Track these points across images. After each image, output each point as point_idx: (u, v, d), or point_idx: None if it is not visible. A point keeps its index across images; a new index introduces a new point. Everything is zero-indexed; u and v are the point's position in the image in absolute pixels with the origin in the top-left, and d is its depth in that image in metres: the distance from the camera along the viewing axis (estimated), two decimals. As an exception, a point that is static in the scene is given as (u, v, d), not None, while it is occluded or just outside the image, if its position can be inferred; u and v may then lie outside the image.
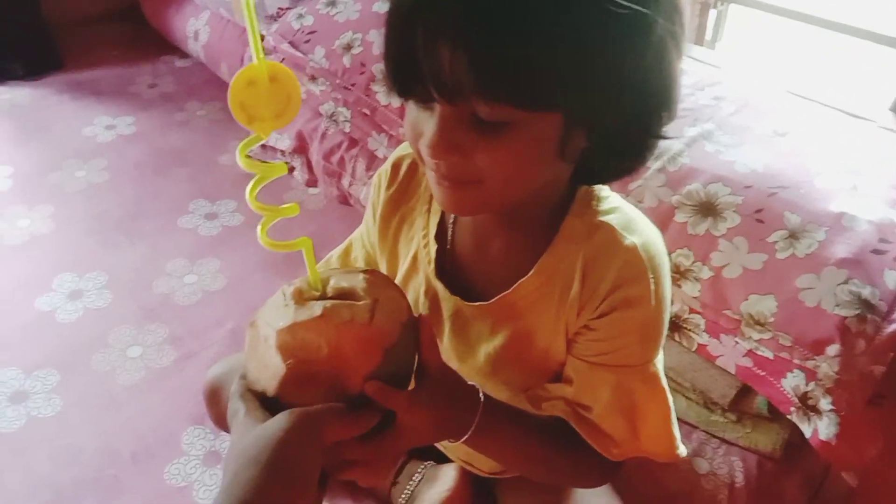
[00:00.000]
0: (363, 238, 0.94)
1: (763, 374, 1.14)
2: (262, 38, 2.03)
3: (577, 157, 0.65)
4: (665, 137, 0.66)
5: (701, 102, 1.41)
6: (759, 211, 1.15)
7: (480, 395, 0.71)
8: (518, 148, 0.61)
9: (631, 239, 0.71)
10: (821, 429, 1.07)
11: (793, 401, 1.10)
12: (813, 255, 1.09)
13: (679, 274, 1.17)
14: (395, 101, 1.69)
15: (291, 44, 1.91)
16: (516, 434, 0.76)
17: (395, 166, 0.86)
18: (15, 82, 2.51)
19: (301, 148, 1.96)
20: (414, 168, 0.85)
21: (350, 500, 1.15)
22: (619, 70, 0.58)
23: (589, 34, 0.55)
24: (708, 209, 1.18)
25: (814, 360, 1.06)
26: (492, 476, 1.01)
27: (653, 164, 1.24)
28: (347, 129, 1.83)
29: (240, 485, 0.56)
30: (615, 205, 0.75)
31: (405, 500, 1.04)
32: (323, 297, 0.65)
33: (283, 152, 2.01)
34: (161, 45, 2.72)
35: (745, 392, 1.21)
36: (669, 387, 0.78)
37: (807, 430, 1.10)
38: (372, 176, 1.77)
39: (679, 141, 1.28)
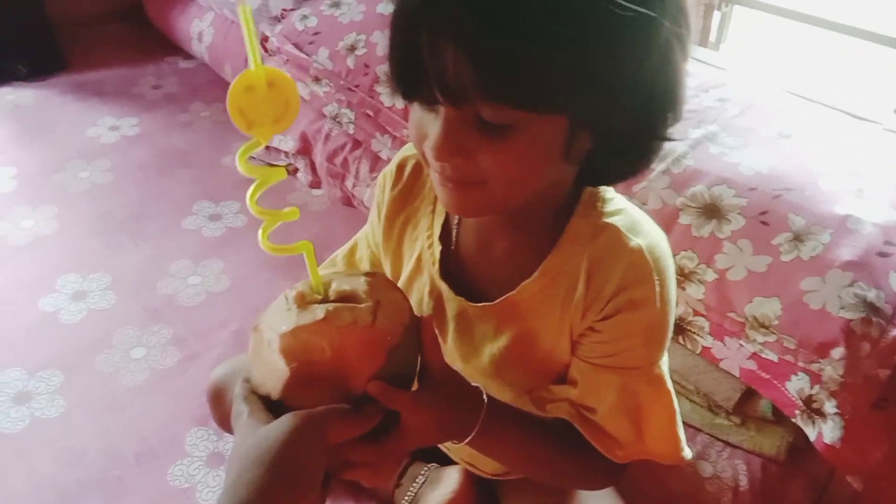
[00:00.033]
0: (368, 238, 0.95)
1: (767, 376, 1.13)
2: (266, 39, 2.04)
3: (581, 158, 0.65)
4: (670, 139, 0.66)
5: (705, 104, 1.41)
6: (763, 213, 1.15)
7: (484, 396, 0.71)
8: (522, 150, 0.60)
9: (636, 241, 0.71)
10: (825, 432, 1.06)
11: (797, 404, 1.10)
12: (818, 258, 1.09)
13: (683, 276, 1.17)
14: (399, 103, 1.69)
15: (295, 45, 1.91)
16: (520, 435, 0.76)
17: (400, 167, 0.87)
18: (19, 83, 2.51)
19: (305, 149, 1.96)
20: (418, 169, 0.85)
21: (353, 502, 1.15)
22: (624, 72, 0.57)
23: (593, 37, 0.55)
24: (712, 211, 1.18)
25: (818, 363, 1.06)
26: (495, 478, 1.01)
27: (657, 166, 1.24)
28: (351, 131, 1.83)
29: (243, 485, 0.56)
30: (620, 206, 0.74)
31: (408, 501, 1.04)
32: (325, 300, 0.65)
33: (286, 153, 2.01)
34: (165, 46, 2.73)
35: (749, 395, 1.21)
36: (673, 389, 0.78)
37: (811, 434, 1.09)
38: (375, 177, 1.77)
39: (683, 143, 1.28)
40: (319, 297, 0.66)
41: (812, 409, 1.09)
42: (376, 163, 1.80)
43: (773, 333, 1.09)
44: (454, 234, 0.82)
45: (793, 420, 1.13)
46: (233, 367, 1.06)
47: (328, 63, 1.82)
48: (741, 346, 1.14)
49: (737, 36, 2.13)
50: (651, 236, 0.73)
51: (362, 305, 0.64)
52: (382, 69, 1.73)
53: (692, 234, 1.17)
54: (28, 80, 2.52)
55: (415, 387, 0.70)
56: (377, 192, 0.90)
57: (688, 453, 0.80)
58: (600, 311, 0.72)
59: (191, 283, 1.70)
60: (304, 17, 1.94)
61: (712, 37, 2.07)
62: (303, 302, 0.64)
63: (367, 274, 0.69)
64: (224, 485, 0.58)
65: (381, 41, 1.75)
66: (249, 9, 0.54)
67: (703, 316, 1.18)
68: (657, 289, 0.71)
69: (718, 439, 1.23)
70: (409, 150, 0.86)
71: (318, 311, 0.63)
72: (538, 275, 0.74)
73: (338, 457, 0.63)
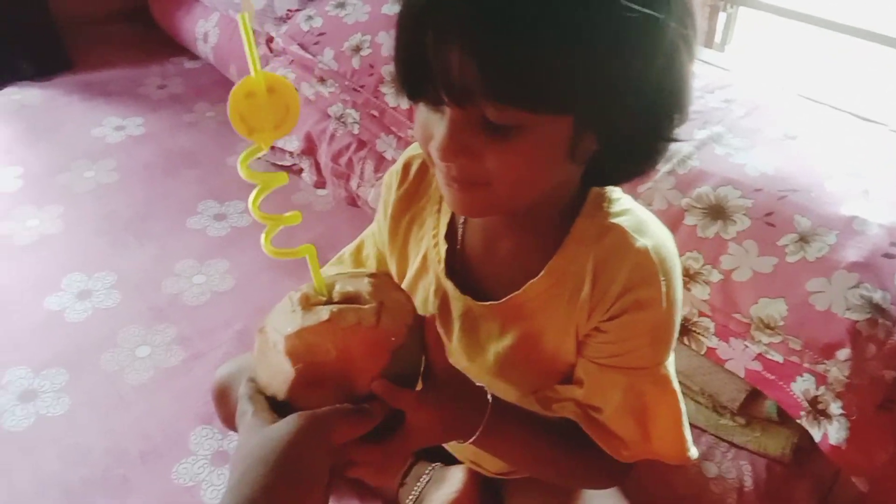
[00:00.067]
0: (375, 236, 0.95)
1: (773, 377, 1.13)
2: (271, 39, 2.04)
3: (587, 159, 0.65)
4: (676, 140, 0.66)
5: (711, 105, 1.40)
6: (769, 214, 1.15)
7: (489, 396, 0.72)
8: (528, 151, 0.60)
9: (642, 241, 0.71)
10: (831, 433, 1.06)
11: (803, 405, 1.10)
12: (823, 259, 1.09)
13: (688, 277, 1.17)
14: (404, 103, 1.69)
15: (300, 45, 1.91)
16: (525, 435, 0.76)
17: (406, 166, 0.87)
18: (24, 83, 2.52)
19: (309, 149, 1.96)
20: (424, 168, 0.85)
21: (357, 501, 1.15)
22: (630, 73, 0.57)
23: (599, 38, 0.55)
24: (718, 212, 1.18)
25: (824, 364, 1.06)
26: (499, 477, 1.01)
27: (662, 167, 1.24)
28: (356, 131, 1.83)
29: (247, 484, 0.56)
30: (626, 206, 0.74)
31: (412, 501, 1.04)
32: (329, 301, 0.66)
33: (291, 153, 2.01)
34: (170, 46, 2.73)
35: (754, 396, 1.21)
36: (680, 389, 0.77)
37: (816, 435, 1.09)
38: (380, 178, 1.78)
39: (689, 144, 1.28)
40: (324, 299, 0.66)
41: (817, 411, 1.08)
42: (381, 163, 1.80)
43: (779, 334, 1.09)
44: (460, 233, 0.82)
45: (798, 421, 1.12)
46: (238, 365, 1.06)
47: (333, 63, 1.82)
48: (746, 346, 1.14)
49: (742, 37, 2.13)
50: (657, 237, 0.72)
51: (366, 307, 0.64)
52: (387, 69, 1.73)
53: (697, 235, 1.17)
54: (34, 79, 2.53)
55: (419, 387, 0.70)
56: (383, 191, 0.90)
57: (694, 453, 0.80)
58: (606, 311, 0.72)
59: (196, 283, 1.70)
60: (310, 17, 1.95)
61: (717, 38, 2.06)
62: (307, 304, 0.65)
63: (370, 275, 0.70)
64: (228, 483, 0.58)
65: (386, 42, 1.76)
66: (248, 16, 0.55)
67: (708, 317, 1.18)
68: (663, 289, 0.71)
69: (723, 440, 1.23)
70: (414, 149, 0.86)
71: (323, 313, 0.63)
72: (544, 275, 0.74)
73: (342, 456, 0.63)
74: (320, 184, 2.01)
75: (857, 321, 1.03)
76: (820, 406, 1.08)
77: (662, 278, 0.70)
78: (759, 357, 1.13)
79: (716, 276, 1.15)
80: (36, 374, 1.46)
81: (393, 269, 0.90)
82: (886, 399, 1.05)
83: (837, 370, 1.04)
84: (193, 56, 2.69)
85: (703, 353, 1.21)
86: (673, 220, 1.19)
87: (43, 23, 2.55)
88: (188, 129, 2.31)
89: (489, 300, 0.78)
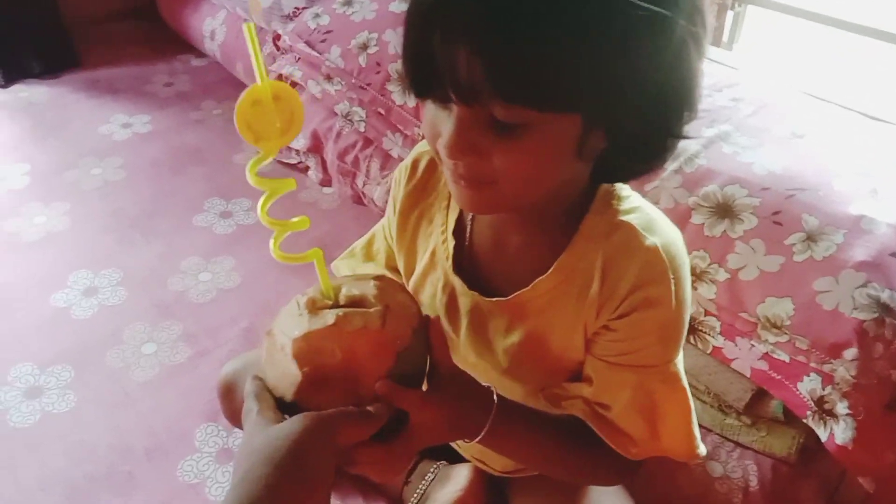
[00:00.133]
0: (385, 230, 0.95)
1: (779, 377, 1.13)
2: (279, 37, 2.04)
3: (595, 156, 0.65)
4: (685, 137, 0.66)
5: (718, 104, 1.40)
6: (776, 213, 1.14)
7: (494, 395, 0.71)
8: (535, 149, 0.60)
9: (652, 239, 0.70)
10: (837, 433, 1.06)
11: (809, 405, 1.09)
12: (831, 258, 1.08)
13: (695, 276, 1.16)
14: (411, 101, 1.69)
15: (307, 43, 1.91)
16: (532, 434, 0.76)
17: (414, 163, 0.87)
18: (32, 80, 2.53)
19: (316, 147, 1.96)
20: (433, 165, 0.85)
21: (362, 500, 1.15)
22: (638, 71, 0.57)
23: (606, 36, 0.55)
24: (725, 211, 1.17)
25: (831, 363, 1.05)
26: (504, 475, 1.00)
27: (669, 165, 1.24)
28: (362, 129, 1.83)
29: (251, 482, 0.56)
30: (636, 204, 0.74)
31: (417, 499, 1.04)
32: (335, 305, 0.67)
33: (297, 151, 2.01)
34: (177, 43, 2.74)
35: (760, 395, 1.20)
36: (689, 387, 0.77)
37: (823, 435, 1.09)
38: (386, 175, 1.78)
39: (696, 142, 1.27)
40: (330, 303, 0.67)
41: (824, 410, 1.08)
42: (387, 161, 1.80)
43: (786, 334, 1.08)
44: (468, 229, 0.82)
45: (804, 421, 1.12)
46: (243, 362, 1.06)
47: (340, 61, 1.82)
48: (753, 346, 1.14)
49: (750, 35, 2.12)
50: (666, 235, 0.72)
51: (372, 310, 0.65)
52: (394, 67, 1.73)
53: (704, 234, 1.17)
54: (41, 77, 2.54)
55: (425, 387, 0.70)
56: (393, 187, 0.90)
57: (703, 450, 0.80)
58: (615, 309, 0.72)
59: (201, 280, 1.70)
60: (317, 15, 1.95)
61: (725, 36, 2.06)
62: (314, 307, 0.66)
63: (376, 278, 0.70)
64: (231, 480, 0.58)
65: (393, 40, 1.75)
66: (253, 25, 0.56)
67: (714, 316, 1.17)
68: (672, 288, 0.70)
69: (729, 440, 1.22)
70: (424, 146, 0.87)
71: (329, 317, 0.64)
72: (552, 272, 0.74)
73: (347, 457, 0.64)
74: (326, 182, 2.01)
75: (865, 321, 1.03)
76: (826, 406, 1.07)
77: (672, 276, 0.70)
78: (766, 356, 1.13)
79: (722, 275, 1.14)
80: (42, 371, 1.47)
81: (401, 265, 0.91)
82: (893, 399, 1.05)
83: (844, 370, 1.04)
84: (200, 54, 2.69)
85: (708, 352, 1.20)
86: (680, 219, 1.19)
87: (51, 20, 2.56)
88: (195, 126, 2.31)
89: (497, 296, 0.78)
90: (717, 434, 1.23)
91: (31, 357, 1.50)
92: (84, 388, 1.44)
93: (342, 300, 0.67)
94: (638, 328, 0.72)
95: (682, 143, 0.67)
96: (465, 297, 0.81)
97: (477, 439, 0.71)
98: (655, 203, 1.20)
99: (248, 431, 0.62)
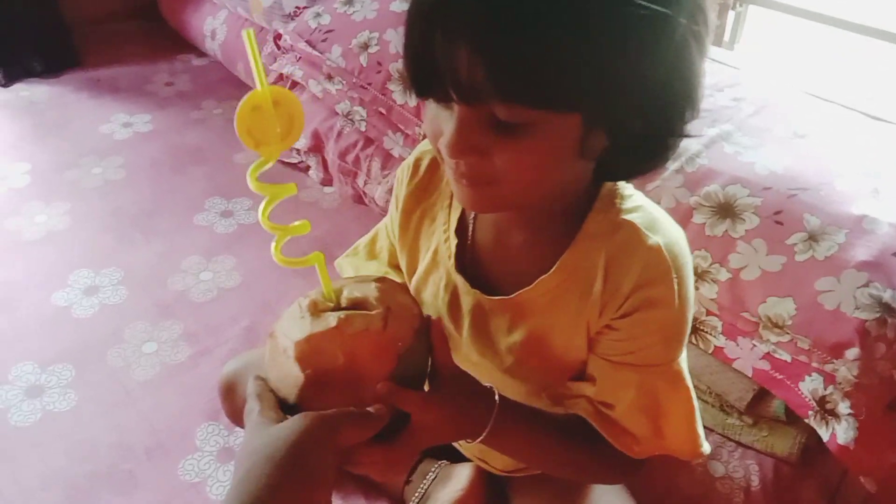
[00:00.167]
0: (388, 228, 0.95)
1: (781, 377, 1.12)
2: (279, 36, 2.04)
3: (597, 155, 0.65)
4: (687, 135, 0.66)
5: (720, 103, 1.40)
6: (778, 213, 1.14)
7: (496, 395, 0.71)
8: (537, 148, 0.60)
9: (654, 238, 0.70)
10: (839, 433, 1.06)
11: (811, 404, 1.09)
12: (833, 258, 1.08)
13: (696, 276, 1.16)
14: (412, 101, 1.69)
15: (308, 43, 1.91)
16: (534, 433, 0.76)
17: (416, 162, 0.87)
18: (33, 79, 2.53)
19: (316, 147, 1.96)
20: (435, 164, 0.85)
21: (363, 500, 1.15)
22: (640, 71, 0.57)
23: (607, 36, 0.55)
24: (726, 210, 1.17)
25: (832, 363, 1.05)
26: (506, 474, 1.00)
27: (671, 165, 1.24)
28: (363, 128, 1.83)
29: (252, 481, 0.56)
30: (639, 203, 0.74)
31: (418, 498, 1.04)
32: (337, 307, 0.68)
33: (298, 151, 2.01)
34: (178, 43, 2.74)
35: (762, 395, 1.20)
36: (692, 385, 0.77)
37: (824, 435, 1.09)
38: (387, 175, 1.78)
39: (697, 142, 1.27)
40: (332, 305, 0.68)
41: (826, 410, 1.08)
42: (388, 160, 1.80)
43: (787, 333, 1.08)
44: (470, 228, 0.82)
45: (806, 421, 1.12)
46: (244, 361, 1.07)
47: (341, 61, 1.82)
48: (754, 346, 1.14)
49: (751, 35, 2.12)
50: (669, 234, 0.72)
51: (373, 312, 0.66)
52: (395, 67, 1.73)
53: (706, 234, 1.17)
54: (42, 76, 2.54)
55: (427, 388, 0.70)
56: (395, 185, 0.91)
57: (707, 448, 0.80)
58: (618, 308, 0.72)
59: (202, 279, 1.70)
60: (318, 14, 1.94)
61: (727, 36, 2.06)
62: (316, 310, 0.67)
63: (377, 280, 0.71)
64: (232, 480, 0.58)
65: (394, 39, 1.75)
66: (253, 32, 0.56)
67: (715, 315, 1.17)
68: (675, 287, 0.70)
69: (730, 439, 1.22)
70: (426, 145, 0.87)
71: (331, 319, 0.65)
72: (555, 270, 0.74)
73: (348, 457, 0.64)
74: (327, 181, 2.01)
75: (867, 320, 1.03)
76: (828, 406, 1.07)
77: (674, 276, 0.70)
78: (767, 356, 1.13)
79: (724, 275, 1.14)
80: (43, 370, 1.47)
81: (403, 264, 0.91)
82: (895, 399, 1.05)
83: (846, 370, 1.04)
84: (201, 53, 2.69)
85: (710, 352, 1.20)
86: (681, 219, 1.19)
87: (52, 20, 2.56)
88: (195, 126, 2.31)
89: (500, 295, 0.78)
90: (719, 434, 1.23)
91: (31, 356, 1.50)
92: (85, 387, 1.43)
93: (344, 302, 0.68)
94: (641, 327, 0.72)
95: (683, 143, 0.67)
96: (468, 296, 0.81)
97: (479, 440, 0.71)
98: (657, 202, 1.20)
99: (250, 431, 0.63)
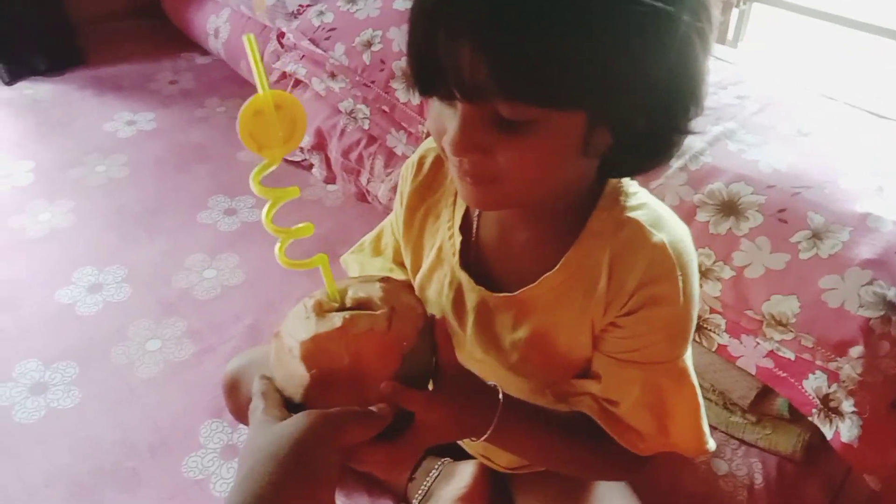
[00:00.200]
0: (392, 225, 0.95)
1: (784, 375, 1.12)
2: (283, 34, 2.04)
3: (601, 153, 0.65)
4: (691, 132, 0.65)
5: (724, 101, 1.40)
6: (782, 211, 1.14)
7: (500, 394, 0.71)
8: (540, 146, 0.60)
9: (659, 236, 0.70)
10: (843, 431, 1.06)
11: (814, 402, 1.09)
12: (837, 256, 1.08)
13: (700, 273, 1.16)
14: (415, 99, 1.69)
15: (311, 41, 1.91)
16: (538, 431, 0.76)
17: (420, 160, 0.87)
18: (37, 78, 2.54)
19: (320, 145, 1.96)
20: (439, 162, 0.85)
21: (366, 497, 1.15)
22: (643, 68, 0.57)
23: (610, 33, 0.55)
24: (730, 208, 1.17)
25: (836, 361, 1.05)
26: (509, 472, 1.00)
27: (674, 163, 1.24)
28: (366, 127, 1.83)
29: (256, 479, 0.56)
30: (643, 201, 0.74)
31: (421, 496, 1.04)
32: (342, 307, 0.68)
33: (301, 149, 2.01)
34: (182, 41, 2.74)
35: (765, 393, 1.20)
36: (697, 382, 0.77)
37: (828, 432, 1.08)
38: (390, 173, 1.78)
39: (701, 139, 1.27)
40: (337, 305, 0.68)
41: (829, 408, 1.08)
42: (391, 158, 1.80)
43: (791, 331, 1.08)
44: (475, 225, 0.82)
45: (809, 419, 1.12)
46: (248, 359, 1.07)
47: (344, 59, 1.82)
48: (758, 343, 1.14)
49: (755, 33, 2.12)
50: (674, 231, 0.72)
51: (378, 312, 0.66)
52: (398, 65, 1.73)
53: (709, 232, 1.17)
54: (46, 74, 2.55)
55: (431, 387, 0.70)
56: (400, 182, 0.91)
57: (712, 445, 0.80)
58: (622, 306, 0.72)
59: (206, 277, 1.70)
60: (321, 12, 1.94)
61: (730, 34, 2.05)
62: (321, 310, 0.67)
63: (381, 280, 0.71)
64: (236, 477, 0.59)
65: (397, 37, 1.75)
66: (253, 37, 0.56)
67: (719, 313, 1.17)
68: (680, 284, 0.70)
69: (734, 437, 1.22)
70: (430, 143, 0.87)
71: (336, 320, 0.65)
72: (559, 268, 0.74)
73: (352, 456, 0.64)
74: (330, 179, 2.01)
75: (871, 318, 1.02)
76: (832, 404, 1.07)
77: (679, 273, 0.70)
78: (771, 354, 1.13)
79: (728, 273, 1.14)
80: (47, 367, 1.47)
81: (408, 261, 0.91)
82: (899, 397, 1.05)
83: (850, 368, 1.04)
84: (204, 52, 2.69)
85: (714, 349, 1.20)
86: (685, 216, 1.17)
87: (55, 18, 2.57)
88: (199, 124, 2.32)
89: (504, 292, 0.78)
90: (723, 432, 1.23)
91: (36, 353, 1.50)
92: (89, 384, 1.44)
93: (348, 302, 0.68)
94: (645, 325, 0.72)
95: (687, 141, 0.67)
96: (472, 293, 0.81)
97: (483, 438, 0.71)
98: (660, 200, 1.20)
99: (254, 428, 0.63)
